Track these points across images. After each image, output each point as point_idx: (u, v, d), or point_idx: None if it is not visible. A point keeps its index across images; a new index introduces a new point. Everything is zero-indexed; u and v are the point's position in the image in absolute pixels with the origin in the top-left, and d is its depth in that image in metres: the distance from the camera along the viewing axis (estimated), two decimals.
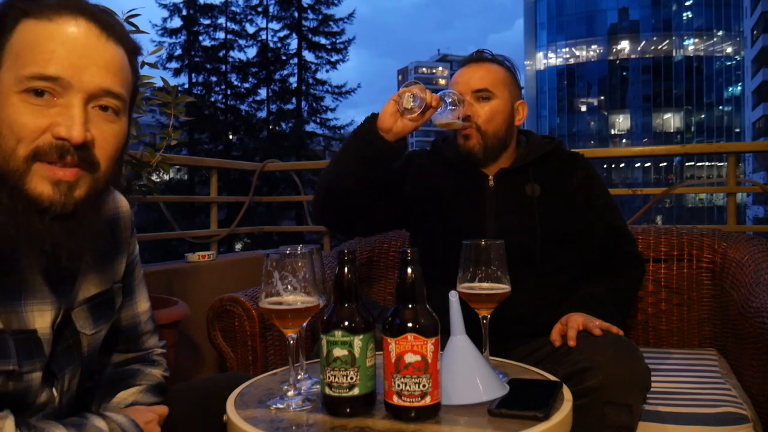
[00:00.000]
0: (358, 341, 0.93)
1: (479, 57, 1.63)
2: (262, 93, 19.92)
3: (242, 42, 19.86)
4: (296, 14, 19.91)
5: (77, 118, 0.81)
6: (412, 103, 1.36)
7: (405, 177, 1.67)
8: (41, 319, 0.89)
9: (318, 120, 20.19)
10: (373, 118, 1.45)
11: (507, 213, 1.59)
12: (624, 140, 52.31)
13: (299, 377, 1.12)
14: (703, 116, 51.53)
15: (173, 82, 2.09)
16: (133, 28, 1.81)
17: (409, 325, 0.92)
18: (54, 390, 0.92)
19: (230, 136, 19.69)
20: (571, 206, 1.61)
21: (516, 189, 1.61)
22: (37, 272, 0.89)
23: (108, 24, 0.85)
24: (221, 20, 19.61)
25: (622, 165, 49.83)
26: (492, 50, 1.66)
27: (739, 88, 50.90)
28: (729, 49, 51.19)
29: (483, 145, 1.59)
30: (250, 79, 19.93)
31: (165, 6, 18.71)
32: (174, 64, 19.17)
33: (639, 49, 52.37)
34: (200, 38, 19.51)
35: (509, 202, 1.60)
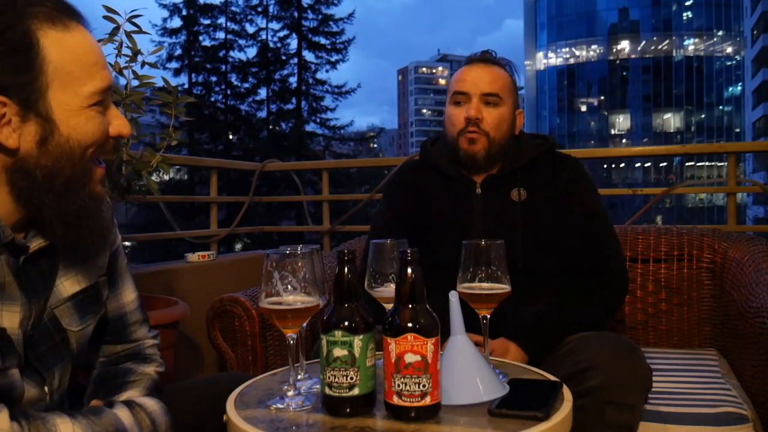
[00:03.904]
0: (358, 341, 0.93)
1: (486, 58, 1.59)
2: (262, 93, 19.95)
3: (242, 42, 19.89)
4: (296, 14, 19.92)
5: (123, 117, 0.93)
6: None
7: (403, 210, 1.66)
8: (9, 318, 0.89)
9: (318, 120, 20.22)
10: None
11: (491, 220, 1.56)
12: (624, 140, 52.31)
13: (299, 377, 1.11)
14: (703, 116, 51.55)
15: (173, 82, 2.08)
16: (136, 29, 1.81)
17: (409, 325, 0.92)
18: (45, 387, 0.93)
19: (230, 136, 19.69)
20: (556, 211, 1.55)
21: (502, 195, 1.57)
22: (7, 272, 0.89)
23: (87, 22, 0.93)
24: (221, 20, 19.64)
25: (622, 165, 49.83)
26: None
27: (739, 88, 50.90)
28: (729, 49, 51.19)
29: (487, 151, 1.55)
30: (250, 79, 19.94)
31: (165, 6, 18.73)
32: (174, 64, 19.21)
33: (639, 49, 52.38)
34: (200, 38, 19.53)
35: (495, 208, 1.57)
